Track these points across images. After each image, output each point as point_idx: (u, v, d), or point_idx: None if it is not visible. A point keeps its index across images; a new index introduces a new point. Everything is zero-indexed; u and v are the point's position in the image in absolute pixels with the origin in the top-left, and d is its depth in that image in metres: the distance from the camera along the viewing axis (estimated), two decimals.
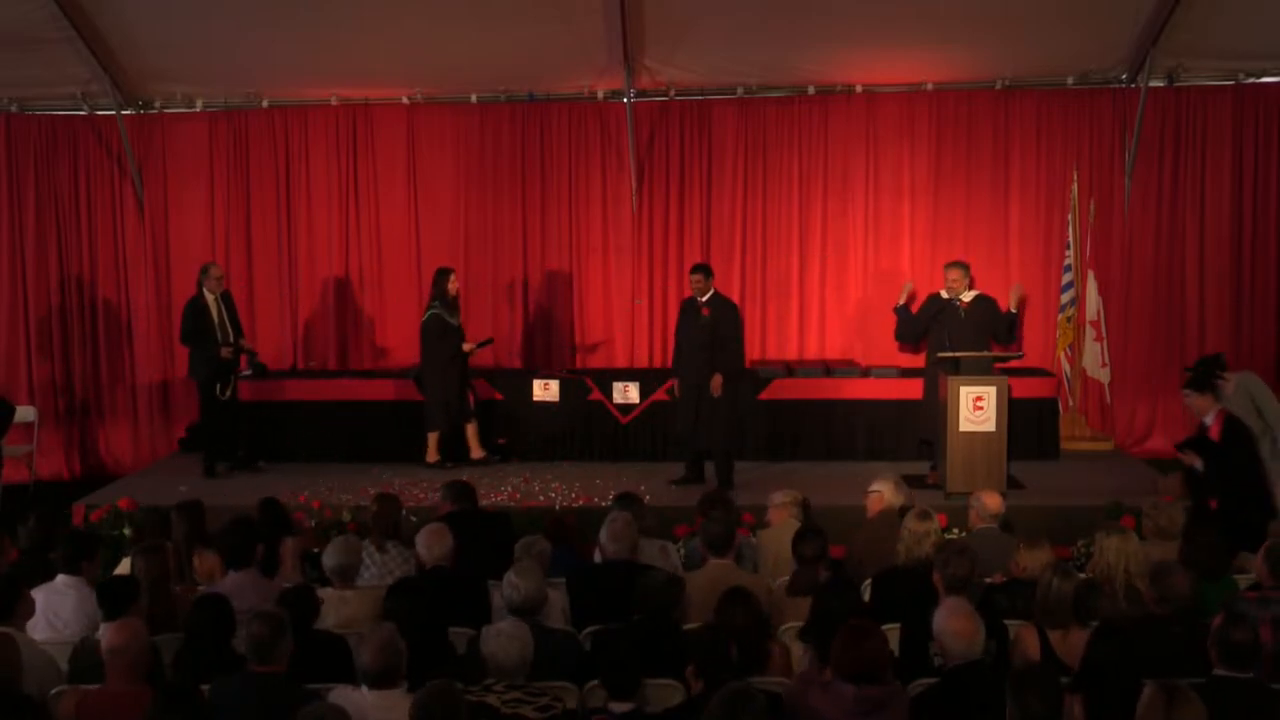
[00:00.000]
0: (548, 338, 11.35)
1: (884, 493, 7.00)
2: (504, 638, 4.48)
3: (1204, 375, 7.47)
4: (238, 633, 4.73)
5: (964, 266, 9.43)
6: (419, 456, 10.04)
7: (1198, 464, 7.17)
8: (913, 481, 9.09)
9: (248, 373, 10.45)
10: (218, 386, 9.77)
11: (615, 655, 4.39)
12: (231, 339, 9.86)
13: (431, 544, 5.78)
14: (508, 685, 4.36)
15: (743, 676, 4.34)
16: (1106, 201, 10.87)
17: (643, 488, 8.59)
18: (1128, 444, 10.91)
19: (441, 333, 9.88)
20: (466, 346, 10.04)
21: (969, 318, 9.25)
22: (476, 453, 10.03)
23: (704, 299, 9.29)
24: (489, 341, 10.46)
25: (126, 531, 8.44)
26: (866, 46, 10.36)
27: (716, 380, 9.11)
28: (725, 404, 9.21)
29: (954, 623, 4.42)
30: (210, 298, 9.83)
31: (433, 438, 10.01)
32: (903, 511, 6.66)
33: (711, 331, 9.17)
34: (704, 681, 4.29)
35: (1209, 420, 7.28)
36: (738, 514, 7.29)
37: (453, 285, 9.97)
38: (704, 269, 9.42)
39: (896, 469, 9.42)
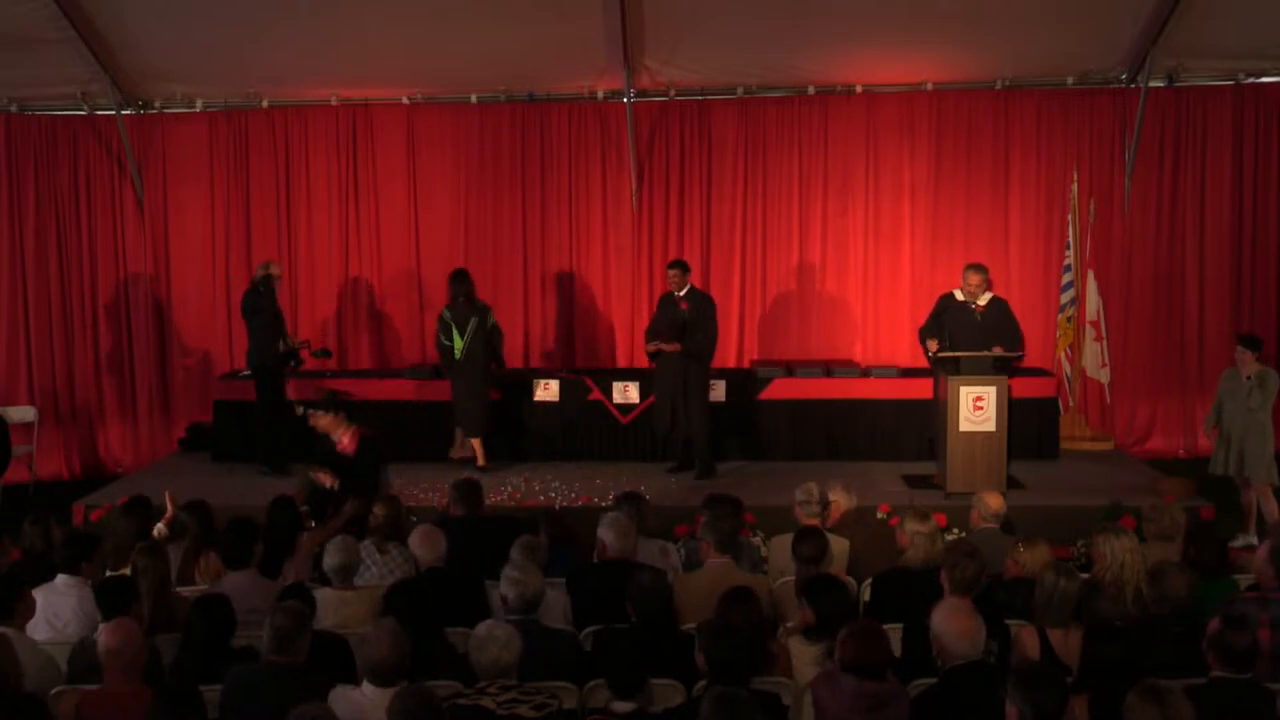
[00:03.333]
0: (547, 337, 11.34)
1: (839, 500, 6.98)
2: (498, 639, 4.45)
3: (331, 402, 7.92)
4: (254, 629, 4.75)
5: (984, 270, 9.26)
6: (420, 456, 9.99)
7: (329, 481, 7.42)
8: (920, 481, 9.11)
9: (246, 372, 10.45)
10: (289, 362, 9.90)
11: (619, 654, 4.38)
12: (285, 334, 9.96)
13: (423, 547, 5.79)
14: (502, 686, 4.36)
15: (745, 677, 4.35)
16: (1106, 201, 10.87)
17: (643, 487, 8.57)
18: (1128, 444, 10.91)
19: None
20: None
21: (985, 320, 9.13)
22: (482, 459, 9.90)
23: (681, 293, 9.50)
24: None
25: None
26: (866, 46, 10.37)
27: (674, 345, 9.32)
28: (697, 391, 9.39)
29: (954, 622, 4.42)
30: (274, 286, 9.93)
31: (477, 443, 9.87)
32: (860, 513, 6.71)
33: (686, 326, 9.36)
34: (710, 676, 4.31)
35: (344, 439, 7.63)
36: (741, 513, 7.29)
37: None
38: (680, 264, 9.63)
39: (897, 469, 9.48)
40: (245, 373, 10.39)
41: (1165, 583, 5.05)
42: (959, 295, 9.27)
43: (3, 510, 9.08)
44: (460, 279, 9.87)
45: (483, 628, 4.56)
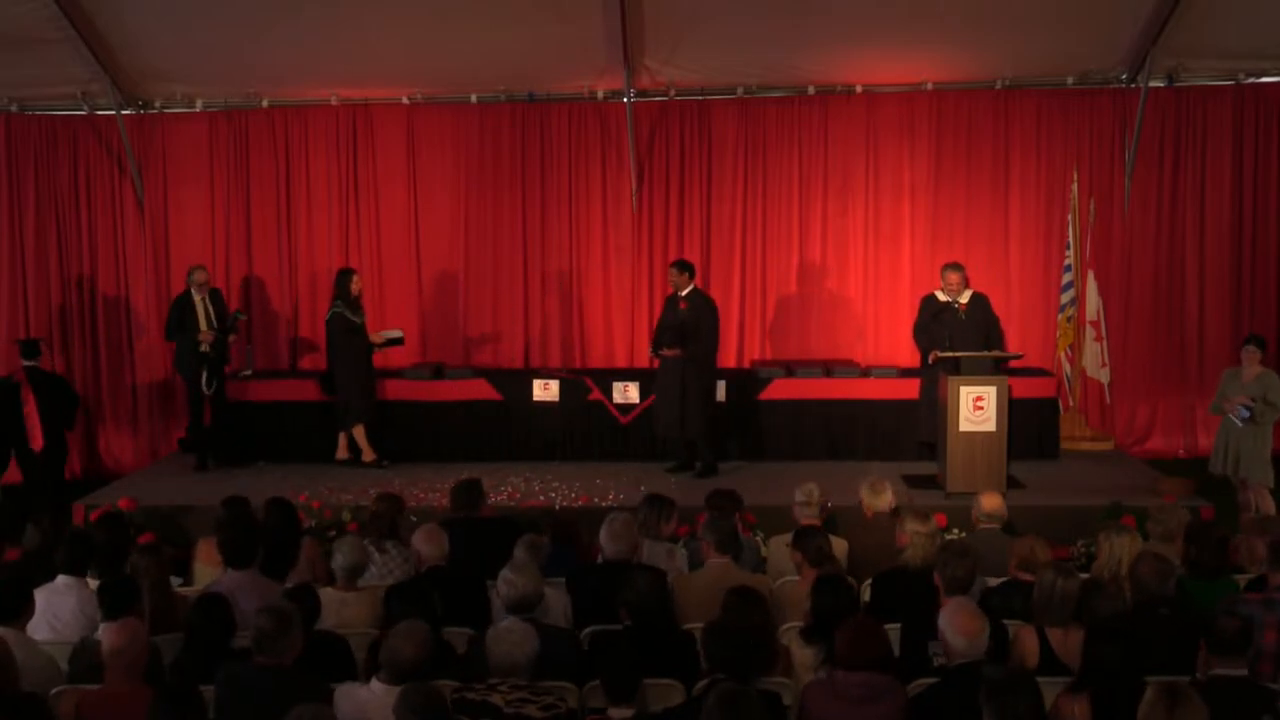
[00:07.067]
0: (547, 337, 11.34)
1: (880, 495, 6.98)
2: (513, 636, 4.47)
3: None
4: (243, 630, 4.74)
5: (962, 268, 9.45)
6: (420, 456, 10.01)
7: None
8: (923, 482, 9.10)
9: (247, 372, 10.46)
10: (203, 378, 9.85)
11: (613, 660, 4.38)
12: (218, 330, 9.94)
13: (427, 544, 5.80)
14: (512, 685, 4.36)
15: (749, 677, 4.35)
16: (1106, 201, 10.87)
17: (642, 487, 8.59)
18: (1128, 444, 10.91)
19: (347, 329, 9.88)
20: (375, 336, 10.15)
21: (969, 318, 9.27)
22: (369, 455, 9.97)
23: (683, 294, 9.51)
24: (398, 340, 10.47)
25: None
26: (866, 46, 10.36)
27: (675, 351, 9.33)
28: (696, 393, 9.37)
29: (959, 621, 4.43)
30: (197, 297, 9.93)
31: (359, 432, 9.95)
32: (896, 511, 6.68)
33: (685, 327, 9.35)
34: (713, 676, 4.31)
35: None
36: (740, 507, 7.30)
37: (355, 285, 9.96)
38: (680, 264, 9.63)
39: (897, 469, 9.44)
40: (246, 372, 10.44)
41: (1138, 572, 5.08)
42: (941, 296, 9.36)
43: (3, 510, 9.06)
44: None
45: (503, 625, 4.60)
